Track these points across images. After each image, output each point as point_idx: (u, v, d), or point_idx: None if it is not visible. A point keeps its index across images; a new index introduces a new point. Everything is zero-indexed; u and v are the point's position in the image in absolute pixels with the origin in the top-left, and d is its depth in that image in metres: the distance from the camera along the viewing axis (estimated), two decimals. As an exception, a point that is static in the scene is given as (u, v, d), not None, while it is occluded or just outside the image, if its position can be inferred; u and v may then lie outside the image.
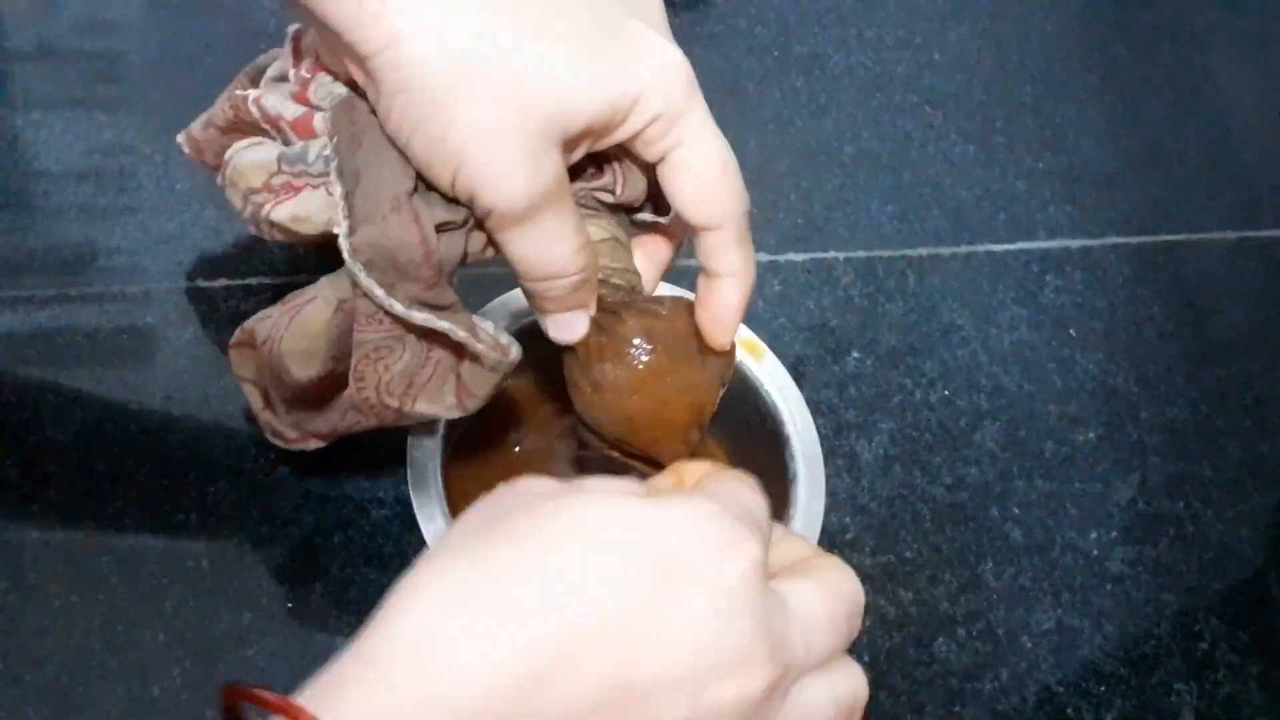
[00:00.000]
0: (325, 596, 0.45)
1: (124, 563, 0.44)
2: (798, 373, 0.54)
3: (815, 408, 0.44)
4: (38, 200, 0.52)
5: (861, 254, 0.59)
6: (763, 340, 0.45)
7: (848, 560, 0.50)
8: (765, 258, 0.58)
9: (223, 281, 0.51)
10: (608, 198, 0.33)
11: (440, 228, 0.30)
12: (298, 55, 0.34)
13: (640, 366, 0.34)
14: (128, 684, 0.42)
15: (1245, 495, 0.56)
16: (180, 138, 0.42)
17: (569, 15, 0.28)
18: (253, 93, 0.36)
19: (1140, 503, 0.55)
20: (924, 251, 0.60)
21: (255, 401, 0.39)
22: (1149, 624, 0.52)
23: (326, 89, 0.32)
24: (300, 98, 0.33)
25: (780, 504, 0.43)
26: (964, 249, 0.61)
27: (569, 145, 0.29)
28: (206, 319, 0.49)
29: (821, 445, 0.43)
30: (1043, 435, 0.56)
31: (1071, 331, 0.59)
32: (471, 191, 0.28)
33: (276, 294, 0.51)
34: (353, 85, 0.31)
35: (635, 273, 0.34)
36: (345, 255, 0.30)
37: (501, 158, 0.28)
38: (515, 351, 0.32)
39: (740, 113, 0.63)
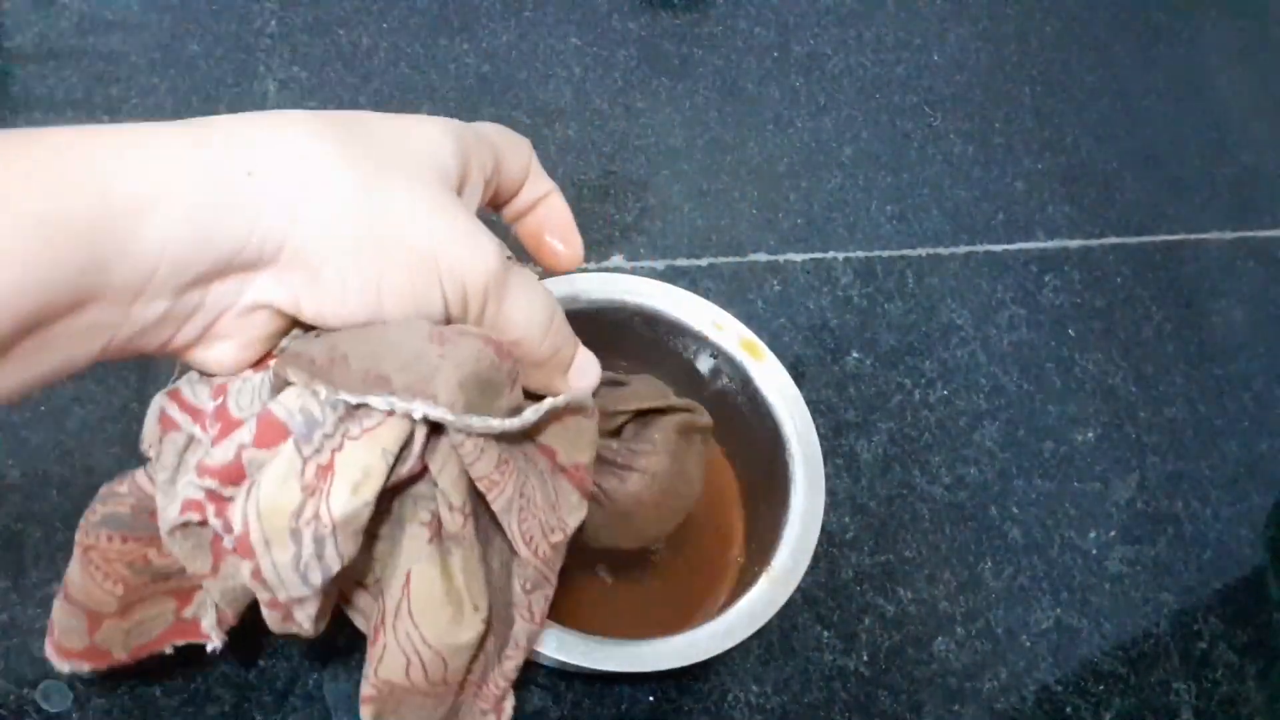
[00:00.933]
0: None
1: (125, 562, 0.44)
2: (797, 373, 0.54)
3: (815, 407, 0.44)
4: (39, 200, 0.51)
5: (861, 254, 0.59)
6: (762, 340, 0.45)
7: (847, 560, 0.50)
8: (765, 258, 0.58)
9: (224, 281, 0.51)
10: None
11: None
12: (196, 414, 0.29)
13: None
14: (129, 683, 0.42)
15: (1244, 494, 0.56)
16: (64, 667, 0.32)
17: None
18: (173, 518, 0.28)
19: (1139, 502, 0.55)
20: (923, 252, 0.60)
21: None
22: (1148, 623, 0.52)
23: (248, 386, 0.28)
24: (219, 438, 0.27)
25: (780, 503, 0.43)
26: (963, 249, 0.61)
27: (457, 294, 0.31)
28: (207, 319, 0.49)
29: (821, 445, 0.43)
30: (1042, 435, 0.56)
31: (1070, 331, 0.59)
32: (462, 279, 0.29)
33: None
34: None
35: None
36: (303, 425, 0.26)
37: (462, 240, 0.29)
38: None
39: (740, 113, 0.63)
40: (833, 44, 0.67)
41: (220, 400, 0.28)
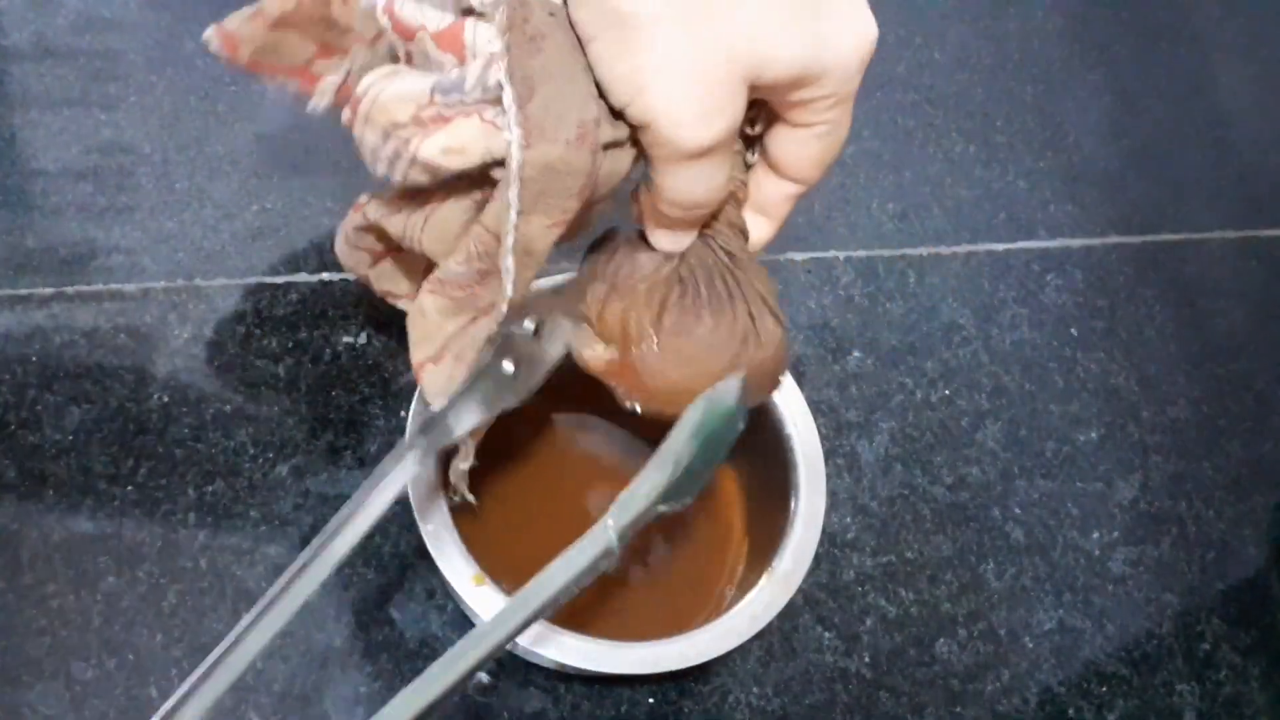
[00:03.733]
0: (324, 597, 0.44)
1: (122, 563, 0.44)
2: (798, 372, 0.54)
3: (816, 407, 0.44)
4: (36, 199, 0.51)
5: (862, 253, 0.59)
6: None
7: (848, 561, 0.50)
8: (765, 256, 0.57)
9: (221, 280, 0.51)
10: (745, 129, 0.32)
11: (607, 146, 0.28)
12: None
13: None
14: (125, 684, 0.42)
15: (1247, 495, 0.56)
16: (209, 32, 0.36)
17: None
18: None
19: (1142, 502, 0.55)
20: (925, 251, 0.60)
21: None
22: (1151, 624, 0.52)
23: None
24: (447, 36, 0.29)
25: (781, 504, 0.43)
26: (965, 248, 0.60)
27: (750, 92, 0.28)
28: (205, 318, 0.49)
29: (822, 445, 0.43)
30: (1044, 435, 0.55)
31: (1073, 331, 0.59)
32: (649, 122, 0.27)
33: (275, 293, 0.51)
34: None
35: (745, 180, 0.34)
36: (513, 167, 0.27)
37: (692, 97, 0.27)
38: (507, 363, 0.32)
39: (740, 112, 0.63)
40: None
41: None
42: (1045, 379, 0.57)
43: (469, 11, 0.29)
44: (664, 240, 0.32)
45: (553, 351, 0.37)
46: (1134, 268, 0.62)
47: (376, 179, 0.30)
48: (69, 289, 0.49)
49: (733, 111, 0.27)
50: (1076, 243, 0.62)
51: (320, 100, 0.35)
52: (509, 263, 0.29)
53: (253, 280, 0.51)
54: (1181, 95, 0.70)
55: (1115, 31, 0.72)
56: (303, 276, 0.51)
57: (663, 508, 0.32)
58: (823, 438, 0.44)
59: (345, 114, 0.31)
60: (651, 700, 0.45)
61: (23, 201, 0.51)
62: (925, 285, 0.59)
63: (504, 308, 0.31)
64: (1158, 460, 0.56)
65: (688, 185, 0.29)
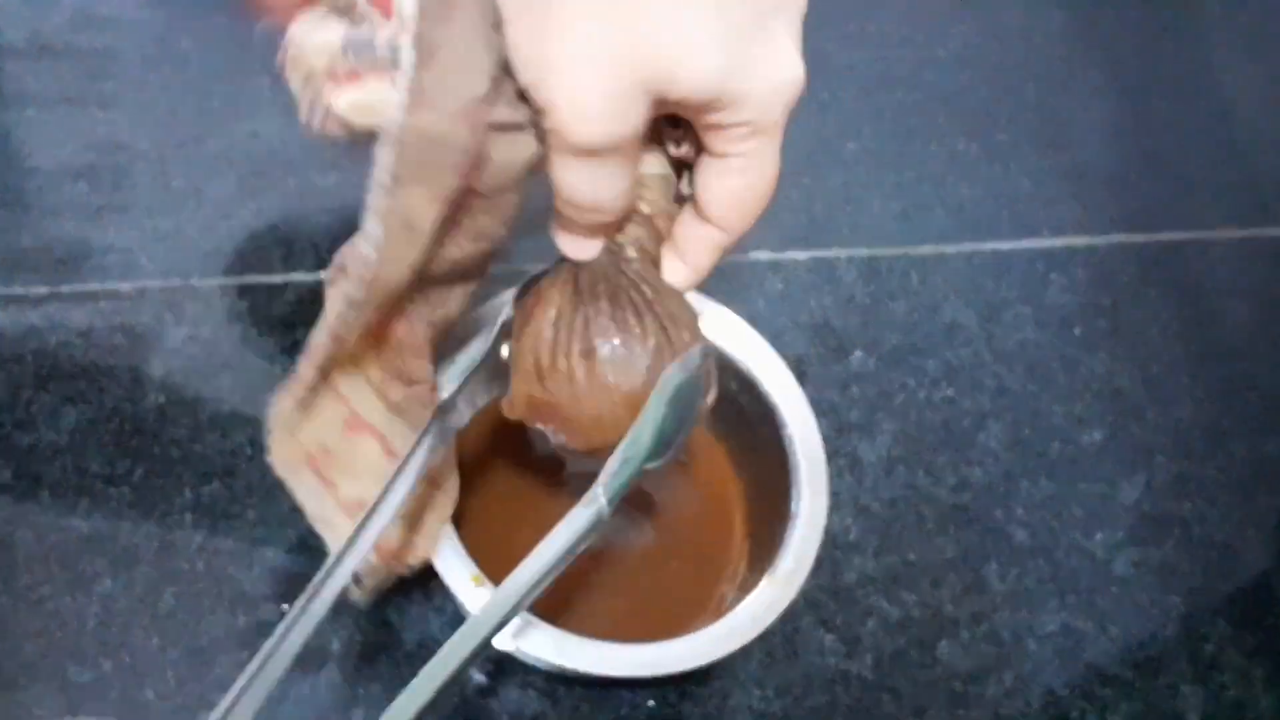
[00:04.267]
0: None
1: (118, 564, 0.44)
2: (800, 372, 0.53)
3: (817, 407, 0.44)
4: (31, 198, 0.51)
5: (864, 252, 0.59)
6: (765, 339, 0.45)
7: (850, 562, 0.50)
8: (767, 256, 0.57)
9: (217, 280, 0.50)
10: (670, 148, 0.32)
11: (500, 127, 0.28)
12: None
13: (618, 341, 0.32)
14: (122, 686, 0.42)
15: (1251, 496, 0.56)
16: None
17: None
18: None
19: (1146, 504, 0.54)
20: (927, 250, 0.60)
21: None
22: (1155, 626, 0.51)
23: None
24: None
25: (782, 505, 0.42)
26: (967, 247, 0.60)
27: (656, 106, 0.28)
28: (201, 317, 0.49)
29: (824, 445, 0.43)
30: (1047, 435, 0.55)
31: (1076, 331, 0.59)
32: (546, 108, 0.27)
33: (271, 293, 0.50)
34: None
35: (673, 213, 0.33)
36: (393, 130, 0.27)
37: (593, 92, 0.26)
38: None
39: (741, 110, 0.62)
40: (836, 40, 0.66)
41: None
42: (1048, 379, 0.57)
43: None
44: (564, 244, 0.32)
45: None
46: (1138, 267, 0.62)
47: (305, 131, 0.30)
48: (64, 288, 0.49)
49: (632, 119, 0.27)
50: (1080, 242, 0.62)
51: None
52: (374, 229, 0.28)
53: (249, 279, 0.50)
54: (1186, 93, 0.70)
55: (1119, 29, 0.72)
56: (299, 275, 0.51)
57: (648, 465, 0.33)
58: (824, 438, 0.43)
59: (279, 55, 0.31)
60: (652, 703, 0.45)
61: (18, 200, 0.51)
62: (928, 284, 0.58)
63: (364, 287, 0.29)
64: (1162, 461, 0.56)
65: (579, 184, 0.29)
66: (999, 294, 0.59)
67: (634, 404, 0.32)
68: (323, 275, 0.51)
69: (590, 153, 0.27)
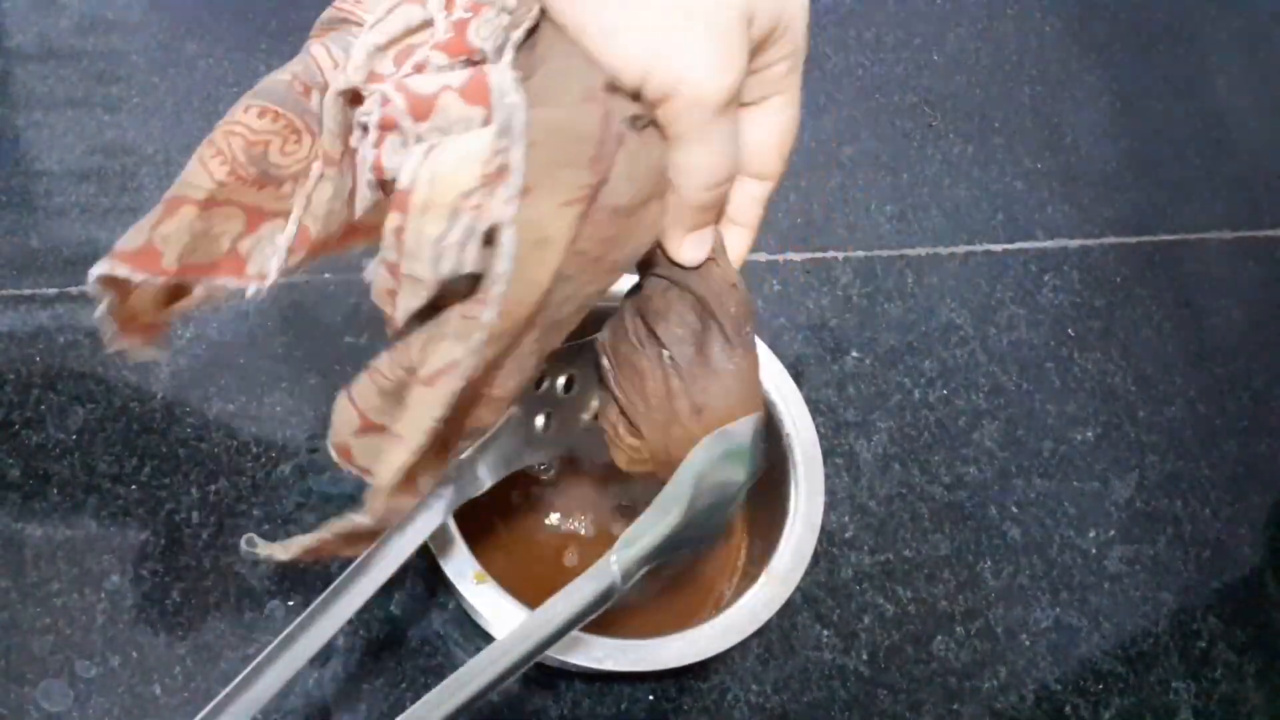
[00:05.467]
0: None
1: (125, 561, 0.44)
2: (796, 372, 0.54)
3: (814, 407, 0.44)
4: (39, 200, 0.52)
5: (860, 254, 0.59)
6: (762, 340, 0.45)
7: (846, 559, 0.50)
8: (764, 257, 0.58)
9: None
10: None
11: (628, 121, 0.26)
12: (449, 4, 0.27)
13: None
14: (129, 682, 0.42)
15: (1243, 494, 0.56)
16: (100, 269, 0.29)
17: None
18: (351, 74, 0.26)
19: (1138, 502, 0.55)
20: (923, 251, 0.60)
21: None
22: (1147, 622, 0.52)
23: (493, 25, 0.26)
24: (454, 46, 0.26)
25: (779, 503, 0.43)
26: (962, 249, 0.61)
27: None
28: (208, 318, 0.50)
29: (820, 444, 0.43)
30: (1041, 434, 0.56)
31: (1070, 331, 0.59)
32: (672, 83, 0.26)
33: (278, 294, 0.51)
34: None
35: None
36: (516, 130, 0.25)
37: (706, 46, 0.26)
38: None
39: (740, 113, 0.63)
40: (832, 44, 0.67)
41: (466, 15, 0.26)
42: (1042, 379, 0.57)
43: (475, 62, 0.26)
44: (692, 249, 0.31)
45: (586, 411, 0.36)
46: (1131, 268, 0.62)
47: (436, 279, 0.26)
48: (73, 289, 0.49)
49: (745, 52, 0.27)
50: (1074, 243, 0.63)
51: (266, 277, 0.30)
52: (503, 265, 0.25)
53: (255, 280, 0.51)
54: (1179, 96, 0.71)
55: (1113, 33, 0.72)
56: (304, 277, 0.52)
57: (673, 556, 0.31)
58: (821, 437, 0.44)
59: (392, 220, 0.25)
60: (651, 698, 0.45)
61: (26, 202, 0.51)
62: (923, 285, 0.59)
63: (491, 323, 0.26)
64: (1154, 460, 0.56)
65: (716, 154, 0.28)
66: (994, 295, 0.60)
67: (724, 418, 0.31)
68: (327, 276, 0.52)
69: (722, 110, 0.27)
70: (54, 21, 0.56)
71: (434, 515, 0.34)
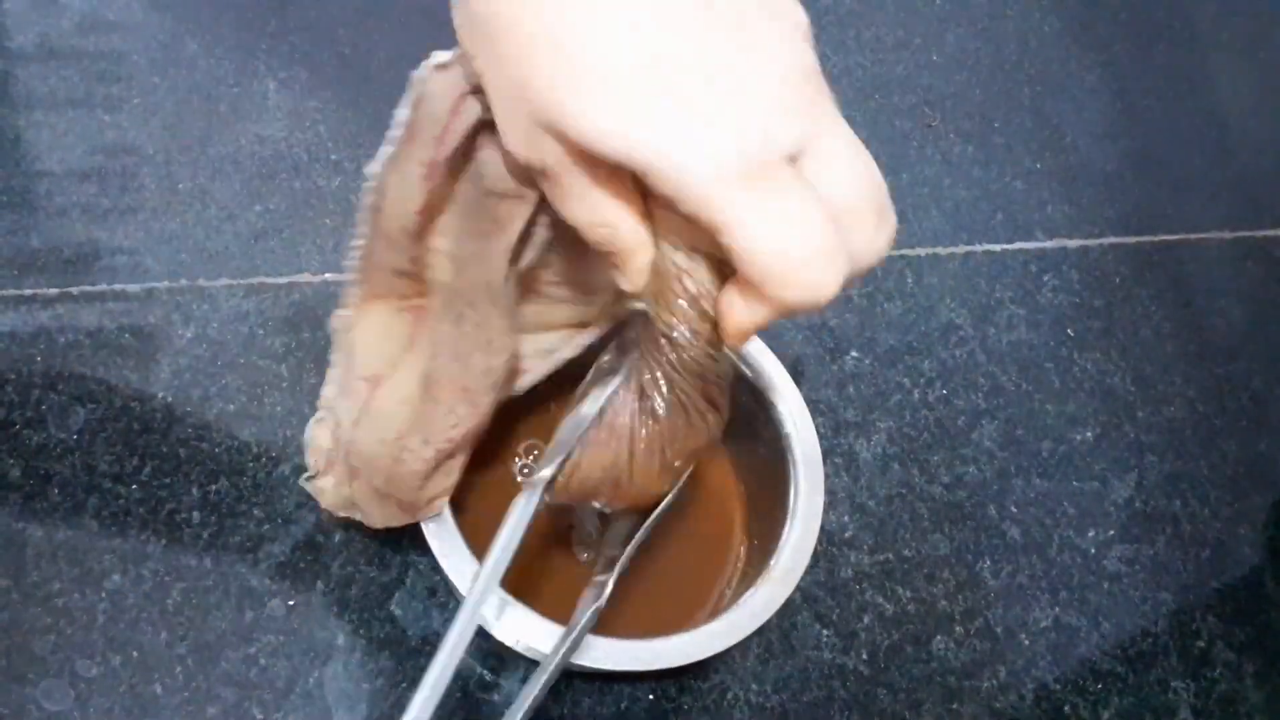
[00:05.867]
0: (327, 594, 0.45)
1: (126, 561, 0.44)
2: (796, 372, 0.54)
3: (814, 407, 0.44)
4: (40, 200, 0.52)
5: (860, 254, 0.59)
6: (762, 339, 0.45)
7: (846, 559, 0.50)
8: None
9: (224, 281, 0.51)
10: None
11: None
12: None
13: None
14: (130, 681, 0.42)
15: (1242, 494, 0.56)
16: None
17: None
18: None
19: (1138, 501, 0.55)
20: (922, 251, 0.60)
21: None
22: (1146, 622, 0.52)
23: None
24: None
25: (779, 503, 0.43)
26: (962, 249, 0.61)
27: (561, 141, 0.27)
28: (208, 318, 0.50)
29: (820, 444, 0.43)
30: (1041, 434, 0.56)
31: (1069, 331, 0.59)
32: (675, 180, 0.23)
33: (277, 293, 0.51)
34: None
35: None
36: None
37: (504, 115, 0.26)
38: None
39: (740, 113, 0.63)
40: (832, 44, 0.67)
41: None
42: (1042, 379, 0.57)
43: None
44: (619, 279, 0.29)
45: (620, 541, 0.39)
46: (1131, 268, 0.63)
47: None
48: (73, 289, 0.49)
49: (540, 150, 0.25)
50: (1073, 243, 0.63)
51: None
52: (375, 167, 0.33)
53: (255, 280, 0.51)
54: (1179, 96, 0.71)
55: (1113, 33, 0.72)
56: (305, 276, 0.52)
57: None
58: (821, 437, 0.44)
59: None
60: (651, 697, 0.45)
61: (27, 202, 0.51)
62: (923, 285, 0.59)
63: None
64: (1153, 460, 0.56)
65: (780, 233, 0.24)
66: (993, 295, 0.60)
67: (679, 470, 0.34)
68: (328, 276, 0.52)
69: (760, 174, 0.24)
70: (54, 21, 0.56)
71: (519, 521, 0.35)
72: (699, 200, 0.23)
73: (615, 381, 0.33)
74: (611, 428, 0.33)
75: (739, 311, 0.27)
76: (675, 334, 0.29)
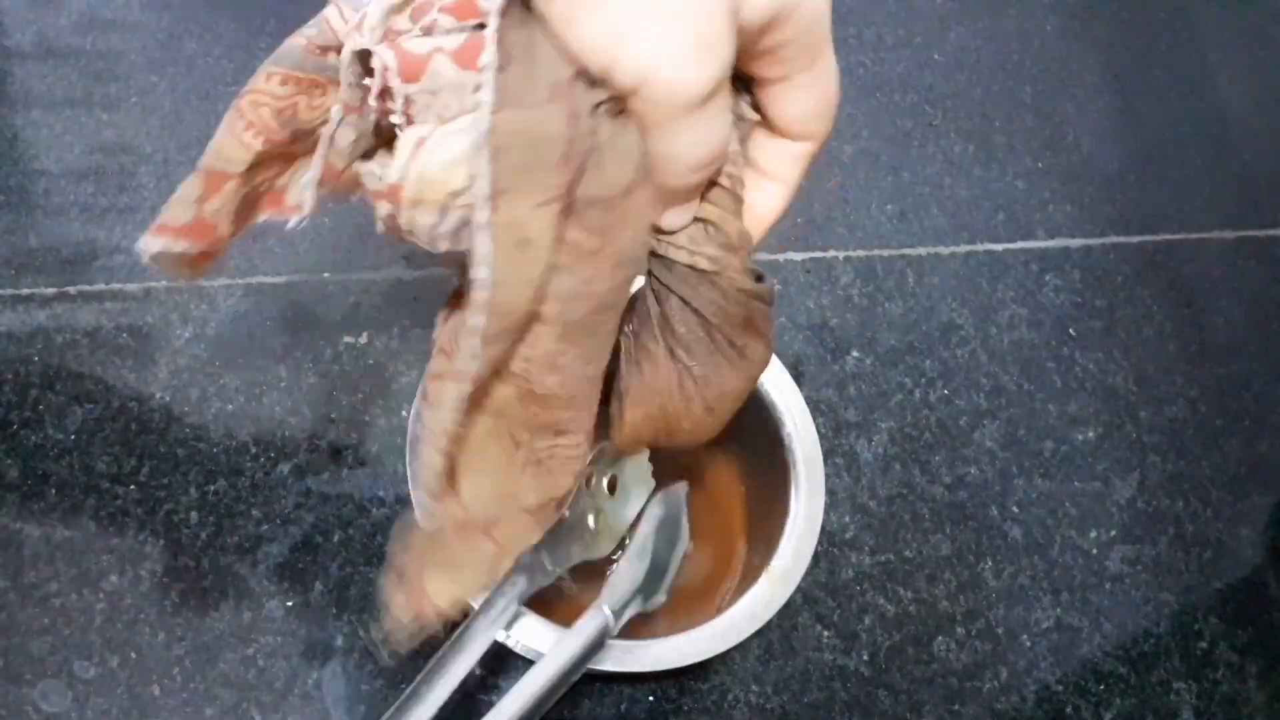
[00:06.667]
0: (325, 595, 0.45)
1: (124, 561, 0.44)
2: (797, 372, 0.54)
3: (815, 407, 0.44)
4: (38, 199, 0.52)
5: (861, 253, 0.59)
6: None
7: (847, 559, 0.50)
8: (764, 256, 0.58)
9: (223, 280, 0.51)
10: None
11: (600, 106, 0.25)
12: None
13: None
14: (128, 683, 0.42)
15: (1244, 494, 0.56)
16: (153, 245, 0.31)
17: None
18: (367, 35, 0.26)
19: (1139, 502, 0.55)
20: (923, 251, 0.60)
21: None
22: (1148, 623, 0.52)
23: None
24: (463, 9, 0.25)
25: (780, 503, 0.43)
26: (963, 248, 0.61)
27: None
28: (207, 318, 0.50)
29: (821, 444, 0.43)
30: (1042, 434, 0.56)
31: (1071, 331, 0.59)
32: (641, 75, 0.24)
33: (276, 292, 0.51)
34: None
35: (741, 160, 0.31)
36: (481, 130, 0.24)
37: (684, 33, 0.24)
38: None
39: (740, 112, 0.63)
40: (833, 44, 0.67)
41: None
42: (1043, 379, 0.57)
43: (483, 26, 0.25)
44: (676, 218, 0.29)
45: (629, 510, 0.40)
46: (1132, 268, 0.62)
47: (437, 253, 0.27)
48: (71, 289, 0.49)
49: (728, 44, 0.24)
50: (1075, 243, 0.63)
51: (304, 207, 0.30)
52: (483, 245, 0.25)
53: (254, 280, 0.51)
54: (1180, 96, 0.70)
55: (1114, 32, 0.72)
56: (304, 276, 0.52)
57: (644, 606, 0.37)
58: (822, 437, 0.44)
59: (383, 209, 0.26)
60: (651, 698, 0.45)
61: (25, 201, 0.51)
62: (924, 285, 0.59)
63: (485, 313, 0.26)
64: (1155, 460, 0.56)
65: (689, 144, 0.26)
66: (994, 294, 0.60)
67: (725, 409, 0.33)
68: (327, 276, 0.52)
69: (698, 104, 0.25)
70: (53, 20, 0.56)
71: (509, 602, 0.36)
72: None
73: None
74: (650, 384, 0.32)
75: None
76: (705, 262, 0.30)
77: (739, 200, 0.30)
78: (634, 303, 0.32)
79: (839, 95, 0.29)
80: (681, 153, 0.26)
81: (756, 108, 0.30)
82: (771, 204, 0.31)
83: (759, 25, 0.25)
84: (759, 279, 0.32)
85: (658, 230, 0.29)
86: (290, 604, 0.44)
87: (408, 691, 0.34)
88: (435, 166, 0.25)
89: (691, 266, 0.30)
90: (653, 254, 0.30)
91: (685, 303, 0.30)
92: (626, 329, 0.32)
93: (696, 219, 0.30)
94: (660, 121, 0.25)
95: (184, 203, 0.30)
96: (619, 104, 0.25)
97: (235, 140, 0.30)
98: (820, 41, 0.28)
